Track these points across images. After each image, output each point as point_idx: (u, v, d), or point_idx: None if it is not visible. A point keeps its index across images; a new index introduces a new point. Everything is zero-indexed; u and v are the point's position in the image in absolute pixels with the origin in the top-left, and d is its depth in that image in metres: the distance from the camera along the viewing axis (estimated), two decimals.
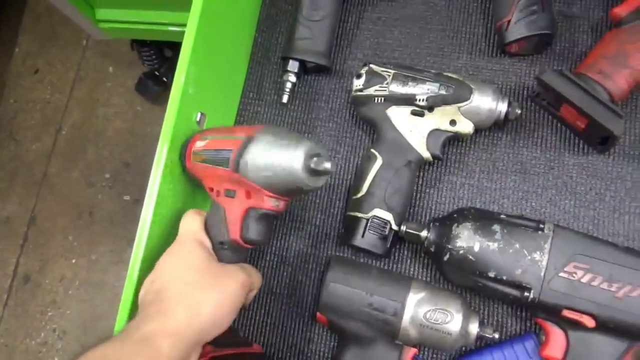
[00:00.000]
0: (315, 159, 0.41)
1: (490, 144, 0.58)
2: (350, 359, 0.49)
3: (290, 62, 0.63)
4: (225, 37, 0.62)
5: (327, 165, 0.41)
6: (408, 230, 0.51)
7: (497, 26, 0.59)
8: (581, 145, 0.56)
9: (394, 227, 0.53)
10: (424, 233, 0.50)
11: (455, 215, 0.49)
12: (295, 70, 0.63)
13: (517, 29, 0.56)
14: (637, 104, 0.56)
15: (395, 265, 0.56)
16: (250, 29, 0.69)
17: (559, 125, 0.57)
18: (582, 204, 0.54)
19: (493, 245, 0.46)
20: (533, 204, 0.55)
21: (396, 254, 0.57)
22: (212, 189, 0.49)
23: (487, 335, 0.48)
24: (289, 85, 0.64)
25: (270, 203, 0.45)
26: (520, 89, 0.59)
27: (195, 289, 0.41)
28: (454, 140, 0.57)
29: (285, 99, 0.64)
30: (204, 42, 0.55)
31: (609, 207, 0.54)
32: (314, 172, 0.42)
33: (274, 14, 0.69)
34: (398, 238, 0.54)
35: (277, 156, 0.42)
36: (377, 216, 0.52)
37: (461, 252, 0.46)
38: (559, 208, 0.55)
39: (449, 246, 0.47)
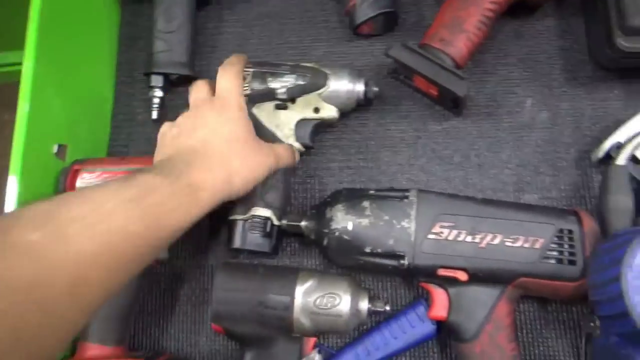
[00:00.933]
0: None
1: (360, 125, 0.60)
2: None
3: (153, 77, 0.62)
4: (77, 64, 0.59)
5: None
6: (288, 222, 0.52)
7: (345, 11, 0.60)
8: (441, 112, 0.59)
9: (276, 222, 0.53)
10: (303, 222, 0.51)
11: (328, 199, 0.50)
12: (160, 85, 0.62)
13: (362, 11, 0.58)
14: (486, 67, 0.59)
15: (288, 260, 0.57)
16: (110, 50, 0.67)
17: (418, 96, 0.59)
18: (451, 167, 0.57)
19: (365, 222, 0.47)
20: (407, 175, 0.57)
21: (288, 248, 0.57)
22: None
23: (378, 309, 0.49)
24: (156, 100, 0.62)
25: None
26: (379, 68, 0.61)
27: (237, 157, 0.46)
28: (323, 126, 0.58)
29: (155, 115, 0.62)
30: (47, 73, 0.53)
31: (475, 165, 0.57)
32: None
33: (133, 32, 0.68)
34: (285, 233, 0.54)
35: None
36: (255, 215, 0.52)
37: (337, 233, 0.47)
38: (431, 174, 0.57)
39: (325, 230, 0.48)
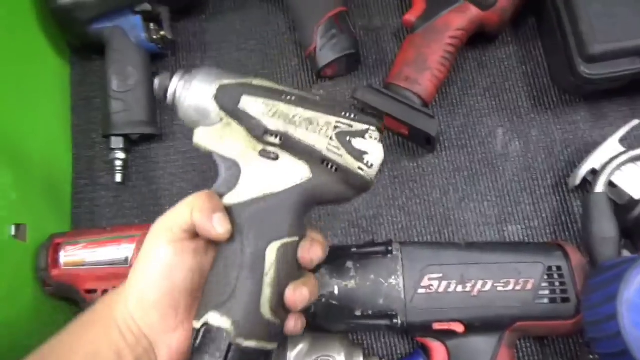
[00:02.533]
0: None
1: None
2: None
3: (113, 139, 0.59)
4: (27, 132, 0.56)
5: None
6: None
7: (306, 55, 0.59)
8: (414, 148, 0.58)
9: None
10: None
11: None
12: (121, 146, 0.59)
13: (324, 54, 0.57)
14: (453, 100, 0.59)
15: None
16: (62, 113, 0.63)
17: (389, 134, 0.58)
18: (431, 204, 0.56)
19: (351, 283, 0.45)
20: (387, 216, 0.56)
21: None
22: (91, 291, 0.51)
23: None
24: (118, 163, 0.59)
25: None
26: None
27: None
28: None
29: (119, 178, 0.59)
30: None
31: (455, 200, 0.56)
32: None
33: (86, 91, 0.64)
34: None
35: None
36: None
37: (323, 300, 0.45)
38: (412, 214, 0.56)
39: None
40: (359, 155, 0.36)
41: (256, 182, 0.36)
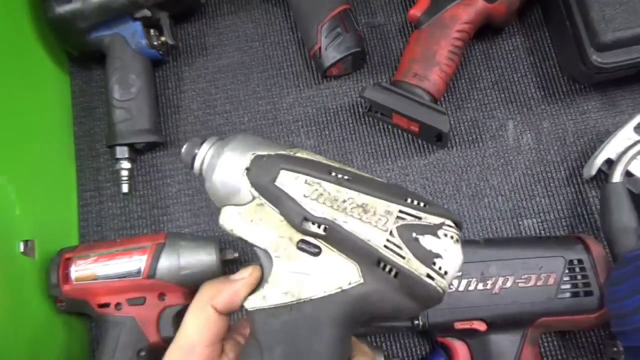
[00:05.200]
0: (224, 250, 0.51)
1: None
2: None
3: (117, 149, 0.58)
4: (30, 147, 0.55)
5: (235, 254, 0.52)
6: None
7: (311, 55, 0.58)
8: (425, 145, 0.57)
9: None
10: None
11: None
12: (126, 156, 0.58)
13: (329, 54, 0.56)
14: (462, 95, 0.58)
15: None
16: (64, 124, 0.62)
17: (398, 132, 0.58)
18: (444, 201, 0.55)
19: None
20: None
21: None
22: (104, 305, 0.50)
23: None
24: (124, 173, 0.58)
25: (186, 297, 0.50)
26: (354, 107, 0.59)
27: None
28: None
29: (125, 188, 0.58)
30: None
31: (468, 195, 0.55)
32: (225, 262, 0.51)
33: (87, 101, 0.63)
34: None
35: (195, 255, 0.49)
36: None
37: None
38: None
39: None
40: (428, 258, 0.27)
41: (289, 283, 0.28)
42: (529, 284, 0.43)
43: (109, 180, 0.60)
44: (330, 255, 0.28)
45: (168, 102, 0.62)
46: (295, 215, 0.28)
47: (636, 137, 0.49)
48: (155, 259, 0.49)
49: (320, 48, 0.56)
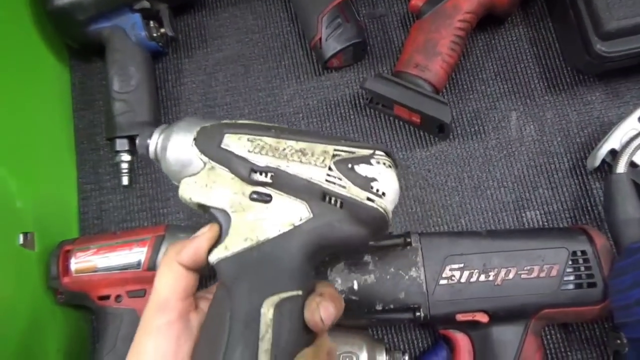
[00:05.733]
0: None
1: None
2: None
3: (117, 141, 0.57)
4: (30, 140, 0.55)
5: None
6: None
7: (311, 46, 0.58)
8: (426, 137, 0.56)
9: None
10: None
11: (326, 259, 0.47)
12: (126, 148, 0.57)
13: (330, 45, 0.55)
14: (464, 86, 0.57)
15: None
16: (64, 117, 0.62)
17: (400, 123, 0.57)
18: (446, 192, 0.55)
19: (370, 278, 0.44)
20: (403, 207, 0.55)
21: None
22: (104, 297, 0.50)
23: None
24: (124, 165, 0.58)
25: None
26: (355, 99, 0.58)
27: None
28: None
29: (125, 181, 0.58)
30: None
31: (470, 187, 0.55)
32: None
33: (87, 94, 0.63)
34: None
35: None
36: None
37: (343, 295, 0.44)
38: (427, 203, 0.55)
39: None
40: (366, 183, 0.31)
41: (248, 231, 0.30)
42: (532, 276, 0.43)
43: (109, 173, 0.60)
44: (280, 198, 0.31)
45: (168, 95, 0.62)
46: (243, 169, 0.31)
47: None
48: (155, 251, 0.49)
49: (320, 39, 0.55)
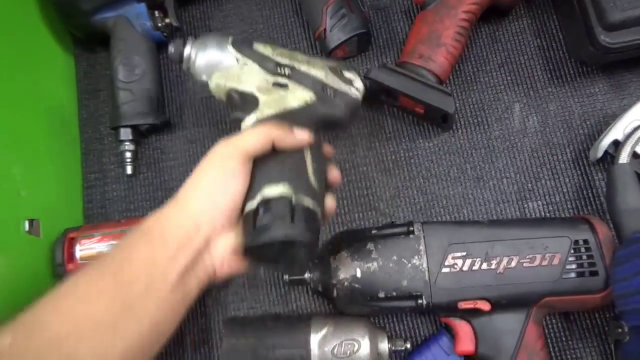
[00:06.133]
0: None
1: (349, 152, 0.57)
2: None
3: (122, 130, 0.58)
4: (36, 129, 0.55)
5: None
6: (291, 277, 0.49)
7: (315, 37, 0.58)
8: (430, 128, 0.57)
9: (294, 199, 0.39)
10: (307, 275, 0.48)
11: (330, 247, 0.47)
12: (130, 138, 0.58)
13: (334, 35, 0.55)
14: (467, 77, 0.58)
15: (295, 304, 0.53)
16: (69, 108, 0.62)
17: (403, 114, 0.57)
18: (449, 184, 0.55)
19: (373, 266, 0.44)
20: (405, 197, 0.55)
21: (295, 293, 0.54)
22: None
23: (399, 348, 0.47)
24: (128, 155, 0.58)
25: None
26: None
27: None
28: None
29: (129, 170, 0.59)
30: (3, 145, 0.49)
31: (473, 178, 0.55)
32: None
33: (92, 84, 0.63)
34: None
35: None
36: (265, 198, 0.39)
37: (346, 284, 0.44)
38: (430, 194, 0.55)
39: (333, 281, 0.45)
40: (349, 82, 0.47)
41: (274, 104, 0.43)
42: (534, 264, 0.43)
43: (113, 163, 0.60)
44: (294, 86, 0.45)
45: (172, 85, 0.62)
46: (270, 64, 0.45)
47: None
48: None
49: (325, 30, 0.56)
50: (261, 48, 0.46)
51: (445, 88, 0.51)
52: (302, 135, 0.41)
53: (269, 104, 0.43)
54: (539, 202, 0.53)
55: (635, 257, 0.40)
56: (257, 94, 0.44)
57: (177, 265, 0.36)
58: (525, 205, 0.53)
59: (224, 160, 0.39)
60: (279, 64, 0.45)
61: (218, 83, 0.45)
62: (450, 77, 0.57)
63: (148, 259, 0.36)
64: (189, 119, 0.61)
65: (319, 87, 0.45)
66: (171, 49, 0.46)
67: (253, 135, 0.39)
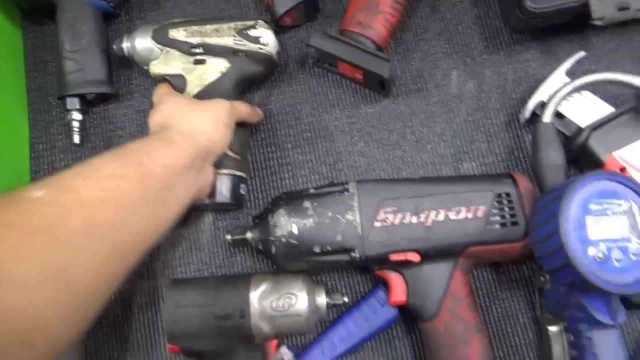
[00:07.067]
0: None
1: (293, 119, 0.59)
2: None
3: (68, 100, 0.58)
4: None
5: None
6: (233, 236, 0.50)
7: (264, 5, 0.59)
8: (372, 95, 0.58)
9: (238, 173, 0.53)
10: (248, 234, 0.49)
11: (269, 206, 0.49)
12: (77, 107, 0.58)
13: (282, 2, 0.57)
14: (408, 45, 0.59)
15: (241, 266, 0.55)
16: (17, 79, 0.62)
17: (347, 82, 0.59)
18: (389, 148, 0.57)
19: (309, 222, 0.46)
20: (347, 162, 0.57)
21: (239, 257, 0.55)
22: None
23: (337, 302, 0.49)
24: (75, 124, 0.59)
25: None
26: (304, 59, 0.60)
27: (190, 115, 0.48)
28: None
29: (77, 139, 0.59)
30: None
31: (412, 142, 0.57)
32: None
33: (40, 56, 0.63)
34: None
35: None
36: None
37: (283, 239, 0.46)
38: (371, 157, 0.57)
39: (271, 238, 0.47)
40: (255, 40, 0.53)
41: (198, 81, 0.53)
42: (460, 217, 0.45)
43: (61, 133, 0.61)
44: (210, 59, 0.54)
45: (123, 57, 0.62)
46: (185, 47, 0.54)
47: (567, 81, 0.51)
48: None
49: None
50: (175, 33, 0.54)
51: (382, 54, 0.53)
52: (261, 114, 0.56)
53: (194, 82, 0.53)
54: (473, 163, 0.55)
55: (548, 205, 0.42)
56: (184, 75, 0.54)
57: (188, 160, 0.44)
58: (460, 166, 0.55)
59: (229, 115, 0.49)
60: (192, 45, 0.53)
61: (154, 71, 0.55)
62: (392, 45, 0.59)
63: (165, 154, 0.43)
64: (137, 89, 0.61)
65: (230, 54, 0.53)
66: (114, 46, 0.57)
67: (245, 108, 0.53)
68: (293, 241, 0.46)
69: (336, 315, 0.52)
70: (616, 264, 0.40)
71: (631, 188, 0.41)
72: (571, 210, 0.40)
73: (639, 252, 0.40)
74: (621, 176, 0.42)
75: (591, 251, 0.40)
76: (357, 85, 0.59)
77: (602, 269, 0.39)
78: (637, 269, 0.40)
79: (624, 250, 0.40)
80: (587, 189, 0.41)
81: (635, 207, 0.41)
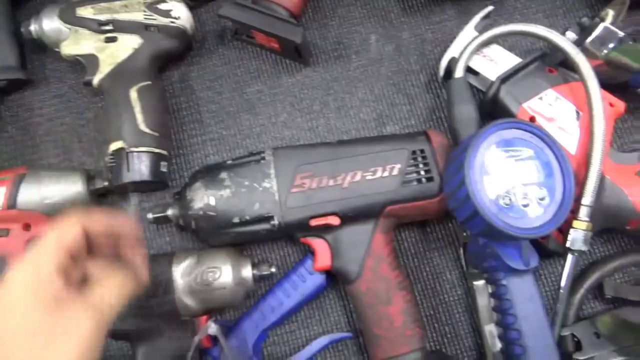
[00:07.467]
0: (94, 179, 0.52)
1: (215, 94, 0.58)
2: None
3: None
4: None
5: (102, 183, 0.52)
6: (154, 215, 0.49)
7: None
8: (292, 64, 0.58)
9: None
10: (169, 211, 0.48)
11: (187, 181, 0.48)
12: None
13: None
14: (325, 12, 0.59)
15: (169, 247, 0.54)
16: None
17: (266, 53, 0.58)
18: (313, 116, 0.57)
19: (226, 193, 0.45)
20: (272, 134, 0.56)
21: (168, 237, 0.54)
22: None
23: (264, 273, 0.48)
24: None
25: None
26: (223, 32, 0.59)
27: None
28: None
29: None
30: None
31: (335, 109, 0.57)
32: (94, 191, 0.52)
33: None
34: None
35: (58, 184, 0.50)
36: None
37: (201, 212, 0.45)
38: (295, 128, 0.56)
39: (190, 212, 0.46)
40: (166, 13, 0.53)
41: (110, 58, 0.52)
42: (376, 176, 0.46)
43: None
44: (122, 36, 0.52)
45: (34, 41, 0.60)
46: (94, 25, 0.52)
47: (476, 35, 0.52)
48: (15, 188, 0.49)
49: None
50: (83, 11, 0.52)
51: (293, 20, 0.52)
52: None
53: (105, 61, 0.52)
54: (396, 126, 0.56)
55: (456, 157, 0.43)
56: (96, 54, 0.52)
57: None
58: (384, 130, 0.55)
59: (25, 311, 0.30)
60: (100, 22, 0.52)
61: (65, 52, 0.53)
62: (309, 13, 0.59)
63: None
64: (53, 75, 0.60)
65: (142, 29, 0.52)
66: (22, 29, 0.55)
67: (42, 250, 0.32)
68: (211, 213, 0.45)
69: (269, 287, 0.51)
70: (522, 209, 0.40)
71: (535, 134, 0.42)
72: (477, 158, 0.41)
73: (544, 197, 0.41)
74: (524, 123, 0.42)
75: (496, 198, 0.40)
76: (277, 56, 0.58)
77: (508, 215, 0.40)
78: (542, 214, 0.41)
79: (529, 195, 0.41)
80: (492, 137, 0.42)
81: (539, 153, 0.42)
